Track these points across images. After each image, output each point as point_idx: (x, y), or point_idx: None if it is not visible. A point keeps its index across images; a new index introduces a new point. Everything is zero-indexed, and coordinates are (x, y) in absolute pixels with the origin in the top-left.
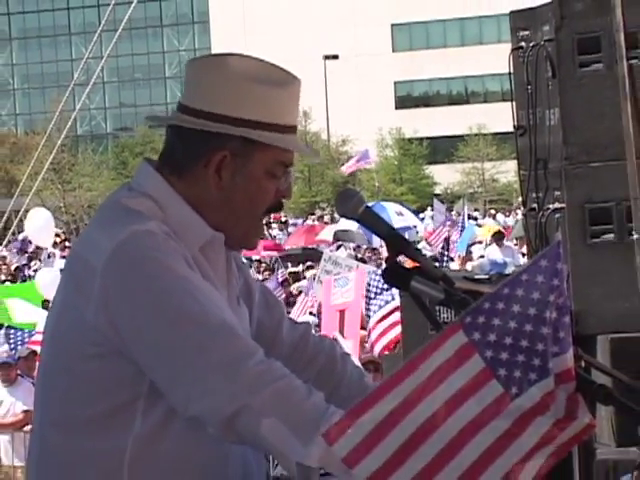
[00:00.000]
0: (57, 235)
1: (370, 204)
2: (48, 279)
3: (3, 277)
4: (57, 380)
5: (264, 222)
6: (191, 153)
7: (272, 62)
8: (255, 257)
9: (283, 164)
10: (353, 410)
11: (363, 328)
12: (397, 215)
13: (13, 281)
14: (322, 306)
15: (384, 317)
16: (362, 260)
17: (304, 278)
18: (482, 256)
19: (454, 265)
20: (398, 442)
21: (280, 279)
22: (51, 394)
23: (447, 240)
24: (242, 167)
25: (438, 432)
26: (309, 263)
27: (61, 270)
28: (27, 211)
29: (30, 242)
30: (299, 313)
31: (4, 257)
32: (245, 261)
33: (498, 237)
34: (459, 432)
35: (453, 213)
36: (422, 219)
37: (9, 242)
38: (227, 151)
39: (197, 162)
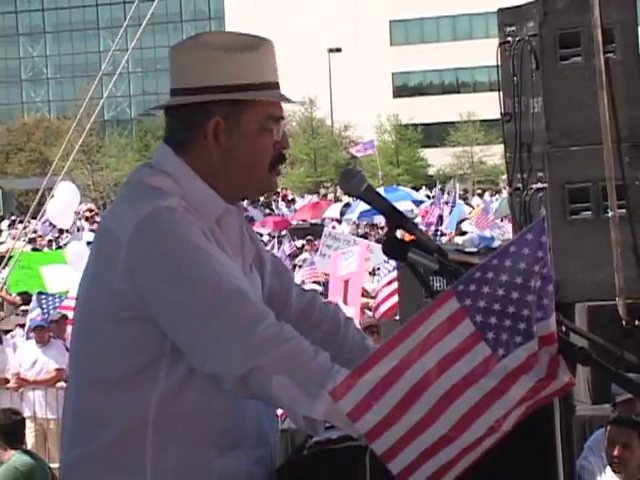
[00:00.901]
0: (89, 210)
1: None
2: (76, 251)
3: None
4: (89, 342)
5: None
6: (188, 127)
7: (240, 32)
8: (265, 231)
9: (273, 117)
10: (356, 370)
11: (363, 296)
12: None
13: None
14: (330, 276)
15: (390, 282)
16: (362, 236)
17: (306, 251)
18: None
19: (445, 240)
20: (396, 398)
21: (288, 252)
22: (84, 355)
23: (440, 217)
24: (236, 127)
25: (431, 389)
26: (309, 237)
27: (89, 243)
28: None
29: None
30: (301, 282)
31: (36, 231)
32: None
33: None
34: (450, 389)
35: (445, 194)
36: (421, 202)
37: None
38: (218, 117)
39: (196, 134)
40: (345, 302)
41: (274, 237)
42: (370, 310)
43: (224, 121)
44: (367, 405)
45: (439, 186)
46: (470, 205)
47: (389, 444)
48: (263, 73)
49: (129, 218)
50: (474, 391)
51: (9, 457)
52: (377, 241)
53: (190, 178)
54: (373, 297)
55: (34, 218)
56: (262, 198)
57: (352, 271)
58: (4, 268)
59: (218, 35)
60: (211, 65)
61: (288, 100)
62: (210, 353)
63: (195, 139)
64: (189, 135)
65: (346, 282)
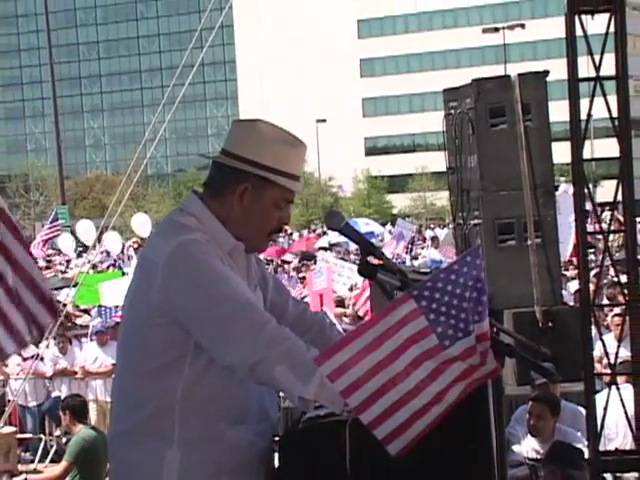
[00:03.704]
0: (136, 242)
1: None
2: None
3: None
4: (131, 342)
5: (271, 239)
6: (225, 182)
7: (287, 129)
8: (269, 258)
9: (286, 200)
10: (333, 346)
11: (339, 306)
12: (365, 225)
13: None
14: (309, 291)
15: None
16: (342, 259)
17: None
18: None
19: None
20: (366, 367)
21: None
22: (127, 352)
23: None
24: (258, 197)
25: (392, 366)
26: (305, 262)
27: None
28: (113, 228)
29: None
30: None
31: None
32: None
33: (435, 242)
34: (406, 366)
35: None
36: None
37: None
38: (249, 184)
39: (228, 189)
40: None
41: (272, 262)
42: (347, 317)
43: (252, 189)
44: (342, 371)
45: (399, 222)
46: (424, 237)
47: (373, 416)
48: (292, 167)
49: (164, 247)
50: (422, 369)
51: (78, 430)
52: (353, 263)
53: (210, 219)
54: (348, 307)
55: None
56: None
57: (323, 287)
58: (74, 286)
59: (272, 126)
60: (262, 146)
61: (301, 192)
62: (228, 349)
63: (226, 192)
64: (223, 188)
65: (321, 295)
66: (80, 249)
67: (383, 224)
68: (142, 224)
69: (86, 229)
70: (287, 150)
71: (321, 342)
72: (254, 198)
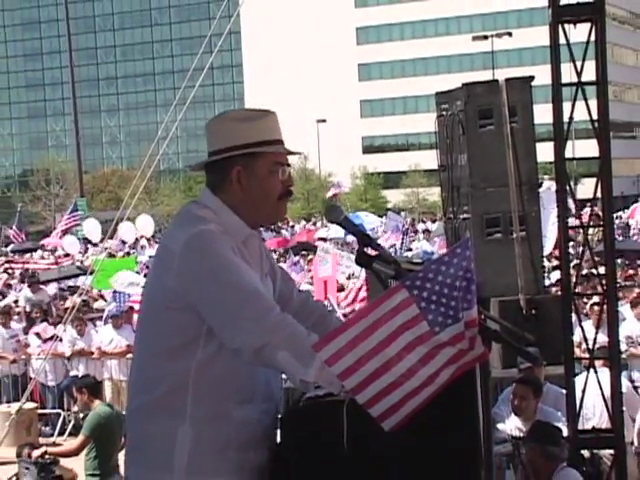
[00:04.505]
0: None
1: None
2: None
3: None
4: (149, 324)
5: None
6: (219, 176)
7: (254, 107)
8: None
9: (279, 164)
10: (331, 332)
11: (339, 291)
12: (365, 217)
13: None
14: (313, 278)
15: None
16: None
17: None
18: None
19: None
20: (363, 352)
21: (291, 263)
22: (145, 334)
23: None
24: (252, 173)
25: (386, 351)
26: (303, 252)
27: (150, 256)
28: (129, 219)
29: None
30: (300, 283)
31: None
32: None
33: (427, 235)
34: (399, 351)
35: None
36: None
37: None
38: (239, 166)
39: (225, 180)
40: (325, 297)
41: (275, 251)
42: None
43: (243, 169)
44: (341, 355)
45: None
46: (415, 229)
47: (368, 396)
48: (269, 133)
49: (180, 237)
50: (415, 353)
51: (95, 406)
52: (352, 253)
53: (223, 210)
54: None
55: (111, 239)
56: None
57: (328, 274)
58: (90, 274)
59: (236, 111)
60: (232, 131)
61: (288, 152)
62: (235, 333)
63: (225, 183)
64: (221, 181)
65: (325, 282)
66: (88, 246)
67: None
68: (145, 224)
69: (92, 227)
70: (259, 123)
71: (321, 327)
72: (249, 176)
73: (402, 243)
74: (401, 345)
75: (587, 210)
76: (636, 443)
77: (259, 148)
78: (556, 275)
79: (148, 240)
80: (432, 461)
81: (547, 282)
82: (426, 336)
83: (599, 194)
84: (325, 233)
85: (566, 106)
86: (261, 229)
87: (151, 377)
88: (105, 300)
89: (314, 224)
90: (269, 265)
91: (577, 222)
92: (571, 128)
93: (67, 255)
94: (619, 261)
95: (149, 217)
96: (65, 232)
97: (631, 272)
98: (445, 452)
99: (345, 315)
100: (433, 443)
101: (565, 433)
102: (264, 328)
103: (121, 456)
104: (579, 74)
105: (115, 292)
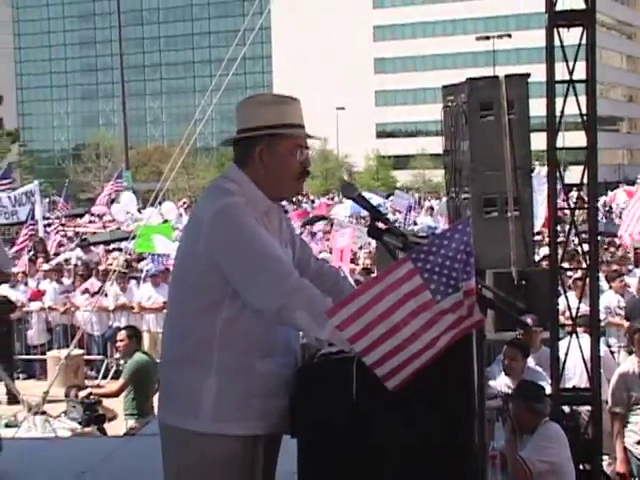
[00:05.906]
0: (184, 203)
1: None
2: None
3: None
4: (180, 285)
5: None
6: (245, 152)
7: (282, 94)
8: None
9: (299, 146)
10: (342, 300)
11: (352, 262)
12: (376, 196)
13: None
14: (332, 247)
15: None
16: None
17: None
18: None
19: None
20: (372, 317)
21: (308, 232)
22: (176, 293)
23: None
24: (273, 152)
25: (392, 317)
26: (320, 223)
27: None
28: (168, 190)
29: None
30: (317, 252)
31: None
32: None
33: (431, 212)
34: (404, 317)
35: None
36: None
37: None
38: (263, 145)
39: (249, 157)
40: (339, 266)
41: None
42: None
43: (266, 148)
44: (352, 320)
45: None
46: (422, 206)
47: (375, 358)
48: (292, 118)
49: (210, 207)
50: (418, 319)
51: (134, 353)
52: (365, 226)
53: (248, 184)
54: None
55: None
56: (294, 198)
57: (345, 244)
58: (132, 239)
59: (265, 95)
60: (259, 113)
61: (308, 135)
62: (257, 295)
63: (249, 159)
64: (245, 157)
65: (342, 251)
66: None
67: (388, 195)
68: (169, 210)
69: (129, 199)
70: (283, 107)
71: (336, 292)
72: (271, 154)
73: (405, 219)
74: (406, 312)
75: (574, 194)
76: (610, 403)
77: (281, 130)
78: (544, 250)
79: (185, 208)
80: (430, 407)
81: (536, 257)
82: (429, 304)
83: (585, 180)
84: (344, 210)
85: (558, 101)
86: (284, 202)
87: (181, 332)
88: (144, 261)
89: (331, 199)
90: (289, 234)
91: (565, 204)
92: (562, 121)
93: (113, 220)
94: (601, 239)
95: (172, 204)
96: (111, 200)
97: (612, 249)
98: (444, 403)
99: (357, 282)
100: (434, 397)
101: (548, 391)
102: (284, 291)
103: (155, 399)
104: (571, 73)
105: (153, 255)
